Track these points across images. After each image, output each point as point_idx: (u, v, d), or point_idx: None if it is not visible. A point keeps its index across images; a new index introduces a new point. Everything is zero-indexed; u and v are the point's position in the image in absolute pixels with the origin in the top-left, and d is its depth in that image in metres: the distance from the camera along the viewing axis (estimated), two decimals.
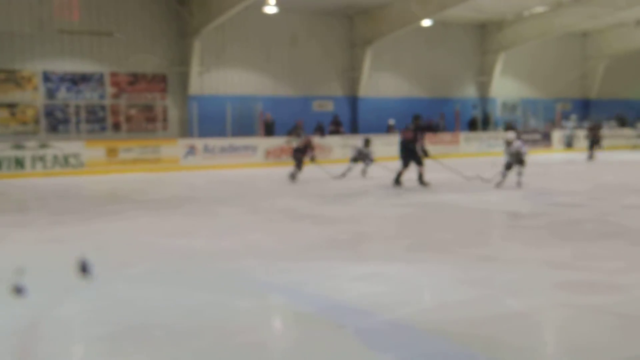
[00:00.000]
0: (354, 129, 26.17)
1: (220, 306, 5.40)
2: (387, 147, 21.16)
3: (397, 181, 13.75)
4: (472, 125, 28.67)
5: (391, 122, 25.79)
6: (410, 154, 13.71)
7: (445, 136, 25.77)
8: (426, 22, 24.87)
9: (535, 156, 19.85)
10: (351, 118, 26.72)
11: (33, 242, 8.39)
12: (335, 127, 24.90)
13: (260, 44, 24.61)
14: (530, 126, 29.62)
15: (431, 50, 28.25)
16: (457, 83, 29.75)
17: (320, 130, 23.94)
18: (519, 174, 13.22)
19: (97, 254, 7.32)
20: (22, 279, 5.13)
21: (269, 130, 23.35)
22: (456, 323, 4.82)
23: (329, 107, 26.32)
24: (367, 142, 17.00)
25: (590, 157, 22.29)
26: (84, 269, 5.29)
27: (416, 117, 14.02)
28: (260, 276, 6.46)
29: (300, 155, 15.92)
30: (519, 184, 13.15)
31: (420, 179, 13.68)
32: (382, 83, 27.51)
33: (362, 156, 16.81)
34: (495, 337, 4.53)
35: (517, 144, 13.22)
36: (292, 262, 7.07)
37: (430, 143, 18.05)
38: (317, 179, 15.82)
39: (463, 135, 26.53)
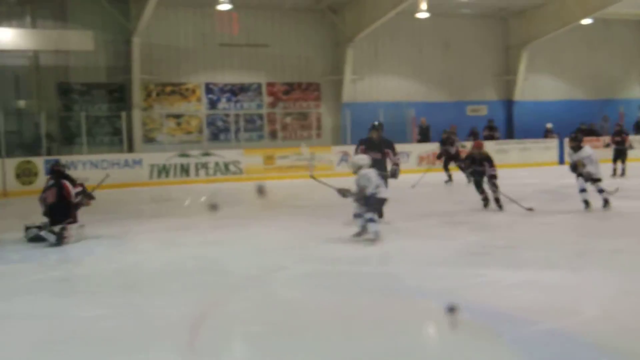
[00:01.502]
0: (509, 134, 25.08)
1: (373, 309, 5.36)
2: (545, 151, 20.07)
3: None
4: (638, 128, 26.50)
5: (549, 126, 24.41)
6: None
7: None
8: (586, 21, 23.33)
9: None
10: (506, 122, 25.61)
11: (197, 244, 8.69)
12: (490, 131, 23.98)
13: (412, 50, 24.23)
14: None
15: (591, 50, 26.38)
16: (621, 83, 27.58)
17: (474, 135, 23.13)
18: None
19: (255, 257, 7.51)
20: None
21: (424, 135, 22.86)
22: (621, 336, 4.43)
23: (483, 111, 25.39)
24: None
25: None
26: None
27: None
28: (413, 281, 6.31)
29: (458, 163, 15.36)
30: None
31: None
32: (539, 85, 26.07)
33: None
34: None
35: None
36: (447, 268, 6.84)
37: (594, 147, 16.91)
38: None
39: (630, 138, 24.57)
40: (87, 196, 9.65)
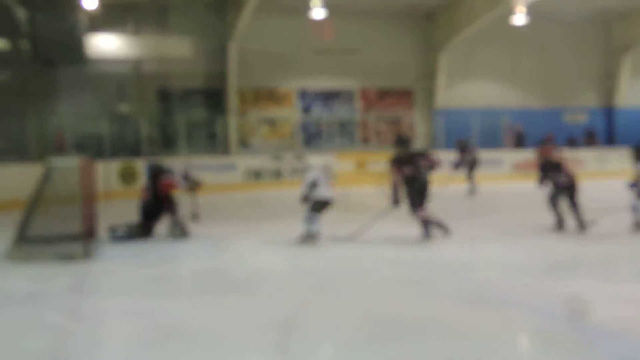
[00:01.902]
0: (610, 142, 23.99)
1: (459, 315, 5.30)
2: None
3: None
4: None
5: None
6: None
7: None
8: None
9: None
10: (607, 130, 24.54)
11: (289, 246, 8.75)
12: (589, 139, 23.06)
13: (506, 55, 23.60)
14: None
15: None
16: None
17: (572, 143, 22.32)
18: None
19: (345, 260, 7.48)
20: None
21: (520, 142, 22.22)
22: None
23: (581, 118, 24.45)
24: None
25: None
26: None
27: None
28: (502, 290, 6.17)
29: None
30: None
31: None
32: None
33: None
34: None
35: None
36: (536, 278, 6.64)
37: None
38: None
39: None
40: (193, 182, 9.97)
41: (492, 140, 22.24)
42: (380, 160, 20.04)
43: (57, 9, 18.10)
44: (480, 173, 20.85)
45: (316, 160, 9.36)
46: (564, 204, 9.57)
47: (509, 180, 19.92)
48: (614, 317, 5.08)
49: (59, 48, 17.93)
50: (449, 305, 5.62)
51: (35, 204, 8.73)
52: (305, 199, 8.78)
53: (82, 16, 18.24)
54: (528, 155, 20.73)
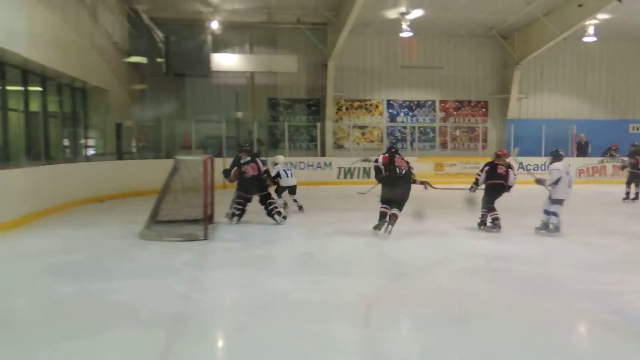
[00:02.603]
0: None
1: (522, 305, 5.14)
2: None
3: None
4: None
5: None
6: None
7: None
8: None
9: None
10: None
11: (373, 234, 8.63)
12: None
13: (576, 70, 22.58)
14: None
15: None
16: None
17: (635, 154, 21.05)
18: None
19: (424, 250, 7.44)
20: None
21: (583, 150, 21.25)
22: None
23: None
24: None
25: None
26: None
27: None
28: (567, 284, 5.91)
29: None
30: None
31: None
32: None
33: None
34: None
35: None
36: (599, 273, 6.36)
37: None
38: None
39: None
40: (270, 178, 10.13)
41: (562, 149, 21.29)
42: (456, 163, 19.86)
43: (187, 32, 18.85)
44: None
45: (280, 159, 11.67)
46: None
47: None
48: None
49: (188, 64, 18.68)
50: (519, 294, 5.49)
51: (165, 192, 9.15)
52: (276, 183, 10.99)
53: (207, 37, 18.93)
54: (592, 161, 19.93)
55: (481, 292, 5.55)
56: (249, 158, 9.82)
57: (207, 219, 8.76)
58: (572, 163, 19.92)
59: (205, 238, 8.22)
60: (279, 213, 9.76)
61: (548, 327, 4.54)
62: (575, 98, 22.69)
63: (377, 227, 8.39)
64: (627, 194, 13.92)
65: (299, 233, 9.00)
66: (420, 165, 19.57)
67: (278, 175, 11.19)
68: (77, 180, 12.92)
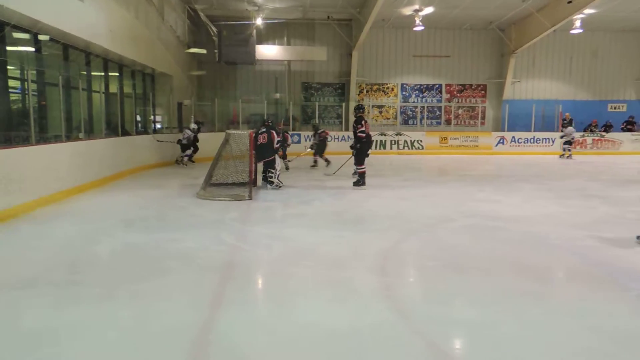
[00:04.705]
0: None
1: (515, 258, 4.97)
2: None
3: None
4: None
5: None
6: None
7: None
8: None
9: None
10: None
11: (390, 198, 8.66)
12: (628, 125, 20.92)
13: (563, 58, 21.74)
14: None
15: None
16: None
17: (608, 127, 20.43)
18: None
19: (431, 210, 7.31)
20: None
21: (565, 126, 20.60)
22: None
23: (623, 108, 22.16)
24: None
25: None
26: None
27: None
28: (553, 240, 5.68)
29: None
30: None
31: None
32: None
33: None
34: None
35: None
36: (582, 231, 6.08)
37: None
38: (612, 164, 13.43)
39: None
40: (282, 148, 9.84)
41: (548, 125, 20.78)
42: (458, 137, 19.46)
43: (236, 27, 18.59)
44: (536, 148, 19.68)
45: (191, 126, 12.81)
46: None
47: (558, 154, 18.61)
48: None
49: (237, 53, 18.49)
50: (512, 248, 5.34)
51: (217, 160, 9.15)
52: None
53: (252, 31, 18.65)
54: (574, 135, 19.27)
55: (480, 247, 5.41)
56: (264, 129, 9.59)
57: (251, 182, 8.77)
58: (556, 137, 19.45)
59: (250, 198, 8.23)
60: (272, 183, 9.46)
61: (537, 276, 4.40)
62: (561, 82, 21.91)
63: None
64: None
65: (328, 195, 8.92)
66: (427, 138, 19.30)
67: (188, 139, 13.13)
68: (146, 149, 13.00)
